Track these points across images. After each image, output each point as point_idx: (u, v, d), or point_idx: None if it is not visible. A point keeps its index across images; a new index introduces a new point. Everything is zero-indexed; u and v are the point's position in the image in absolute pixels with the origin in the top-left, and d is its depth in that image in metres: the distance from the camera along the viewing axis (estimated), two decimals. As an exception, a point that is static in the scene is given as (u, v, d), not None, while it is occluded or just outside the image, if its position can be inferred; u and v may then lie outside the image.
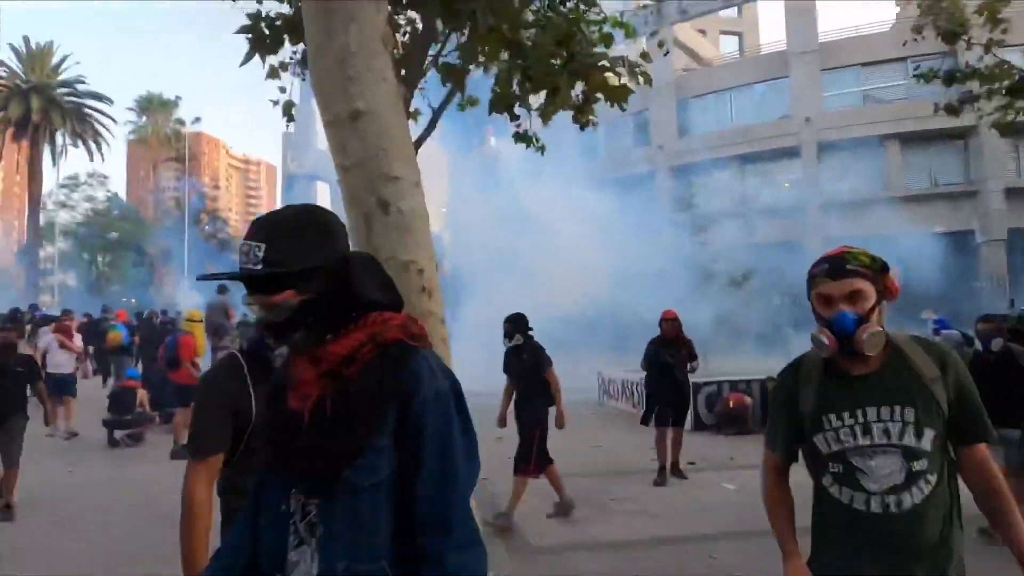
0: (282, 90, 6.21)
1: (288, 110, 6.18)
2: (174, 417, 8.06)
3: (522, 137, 6.33)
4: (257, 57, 5.05)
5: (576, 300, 20.92)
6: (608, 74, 5.76)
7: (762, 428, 9.14)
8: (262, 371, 1.93)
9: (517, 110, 5.84)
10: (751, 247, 24.63)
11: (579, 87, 5.93)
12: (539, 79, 4.53)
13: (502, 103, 5.42)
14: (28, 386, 5.71)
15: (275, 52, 5.35)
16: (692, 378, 8.21)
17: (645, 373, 7.17)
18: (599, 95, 5.46)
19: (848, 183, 27.77)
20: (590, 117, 6.54)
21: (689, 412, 9.46)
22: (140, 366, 11.50)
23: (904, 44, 12.58)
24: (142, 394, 8.76)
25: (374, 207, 2.08)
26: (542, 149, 6.39)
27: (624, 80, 6.23)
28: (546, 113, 5.27)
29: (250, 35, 3.98)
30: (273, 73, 6.07)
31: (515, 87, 5.61)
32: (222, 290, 11.88)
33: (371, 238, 2.09)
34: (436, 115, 4.92)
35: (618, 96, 4.94)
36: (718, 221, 24.74)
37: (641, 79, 6.26)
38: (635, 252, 20.82)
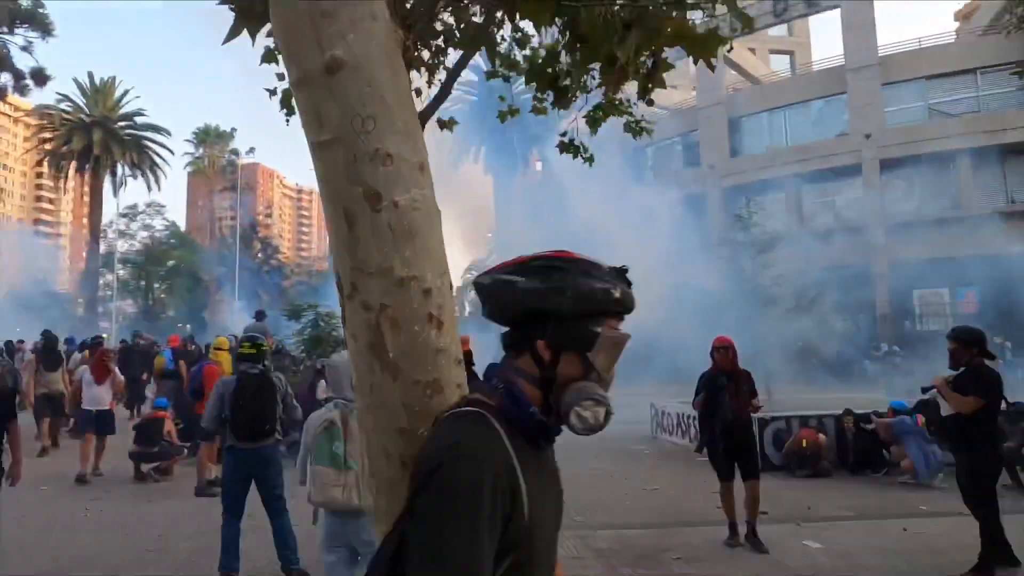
0: (281, 76, 5.45)
1: (289, 101, 5.47)
2: (199, 451, 7.62)
3: (568, 147, 5.69)
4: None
5: (626, 326, 20.10)
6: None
7: (840, 469, 8.18)
8: None
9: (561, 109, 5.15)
10: (812, 271, 23.37)
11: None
12: (594, 40, 3.63)
13: (543, 78, 4.55)
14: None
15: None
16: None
17: (698, 412, 6.20)
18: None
19: (914, 202, 26.27)
20: (645, 122, 5.89)
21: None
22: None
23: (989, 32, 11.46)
24: (169, 424, 8.38)
25: (359, 200, 1.46)
26: (591, 160, 5.73)
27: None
28: (609, 81, 4.41)
29: (233, 5, 3.25)
30: (269, 57, 5.40)
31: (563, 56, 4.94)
32: (260, 316, 11.59)
33: (355, 245, 1.47)
34: (448, 81, 4.03)
35: (707, 48, 3.66)
36: (775, 244, 23.58)
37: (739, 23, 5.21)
38: (687, 275, 19.90)
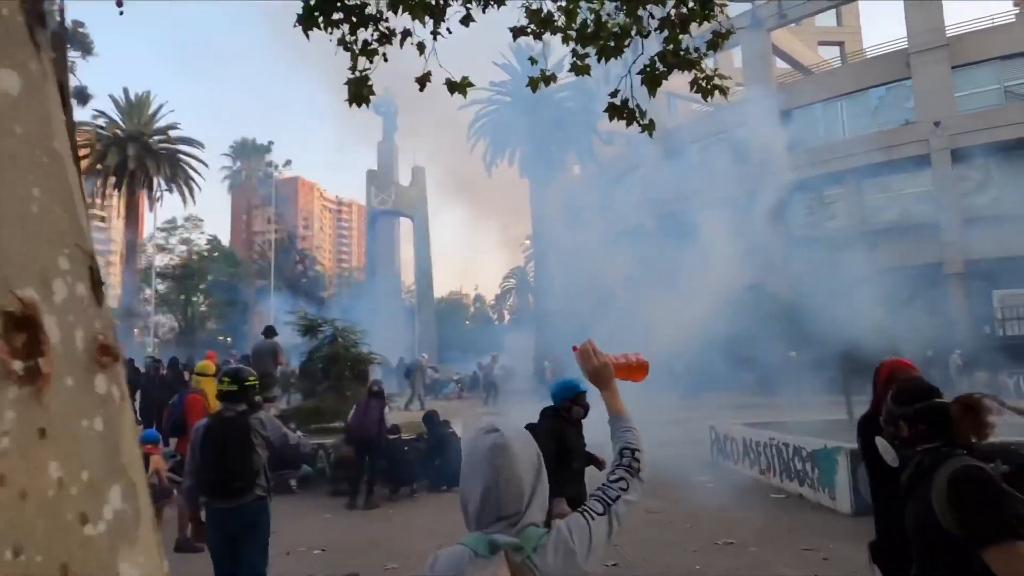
0: (352, 69, 4.42)
1: (360, 89, 4.36)
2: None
3: (620, 110, 4.35)
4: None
5: (678, 337, 18.56)
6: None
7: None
8: None
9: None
10: (883, 272, 21.41)
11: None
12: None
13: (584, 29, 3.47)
14: None
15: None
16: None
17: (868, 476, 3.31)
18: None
19: (991, 194, 24.00)
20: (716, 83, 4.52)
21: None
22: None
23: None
24: (157, 461, 7.27)
25: None
26: (650, 128, 4.39)
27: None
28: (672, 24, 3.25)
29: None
30: (344, 45, 4.34)
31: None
32: (270, 332, 10.52)
33: None
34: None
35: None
36: (837, 243, 21.72)
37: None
38: (739, 279, 18.25)
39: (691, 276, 21.31)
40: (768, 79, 27.99)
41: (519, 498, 1.42)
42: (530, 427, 3.93)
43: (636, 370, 2.11)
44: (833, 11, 37.47)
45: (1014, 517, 1.84)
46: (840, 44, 40.14)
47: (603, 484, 1.63)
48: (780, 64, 31.05)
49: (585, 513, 1.52)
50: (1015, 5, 40.12)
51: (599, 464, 4.57)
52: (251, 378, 4.20)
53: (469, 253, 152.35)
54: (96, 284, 0.71)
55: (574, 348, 1.97)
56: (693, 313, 19.08)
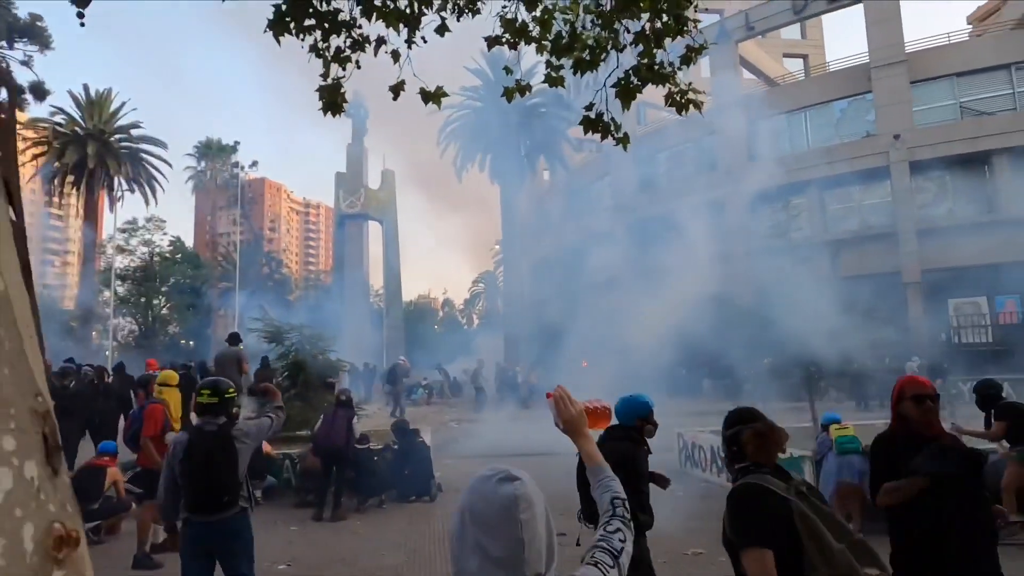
0: (324, 76, 4.32)
1: (333, 96, 4.27)
2: (140, 511, 6.25)
3: (595, 124, 4.34)
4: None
5: (644, 342, 18.70)
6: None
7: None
8: None
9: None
10: (843, 280, 21.89)
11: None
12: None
13: (559, 40, 3.47)
14: None
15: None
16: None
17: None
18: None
19: (946, 206, 24.79)
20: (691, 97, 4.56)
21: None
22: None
23: None
24: (115, 473, 7.03)
25: None
26: (624, 140, 4.40)
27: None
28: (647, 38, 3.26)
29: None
30: (316, 51, 4.24)
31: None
32: (234, 339, 10.26)
33: None
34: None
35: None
36: (800, 251, 22.16)
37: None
38: (704, 286, 18.46)
39: (657, 282, 21.52)
40: (736, 89, 28.46)
41: (540, 558, 1.28)
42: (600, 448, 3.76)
43: (601, 417, 2.09)
44: (797, 25, 38.41)
45: (759, 529, 2.17)
46: (804, 57, 41.10)
47: (603, 534, 1.57)
48: (746, 75, 31.63)
49: (599, 566, 1.46)
50: (968, 23, 41.60)
51: (663, 483, 4.18)
52: (230, 390, 4.11)
53: (438, 257, 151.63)
54: (52, 451, 0.61)
55: (548, 395, 1.91)
56: (659, 319, 19.27)
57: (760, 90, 31.01)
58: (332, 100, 4.12)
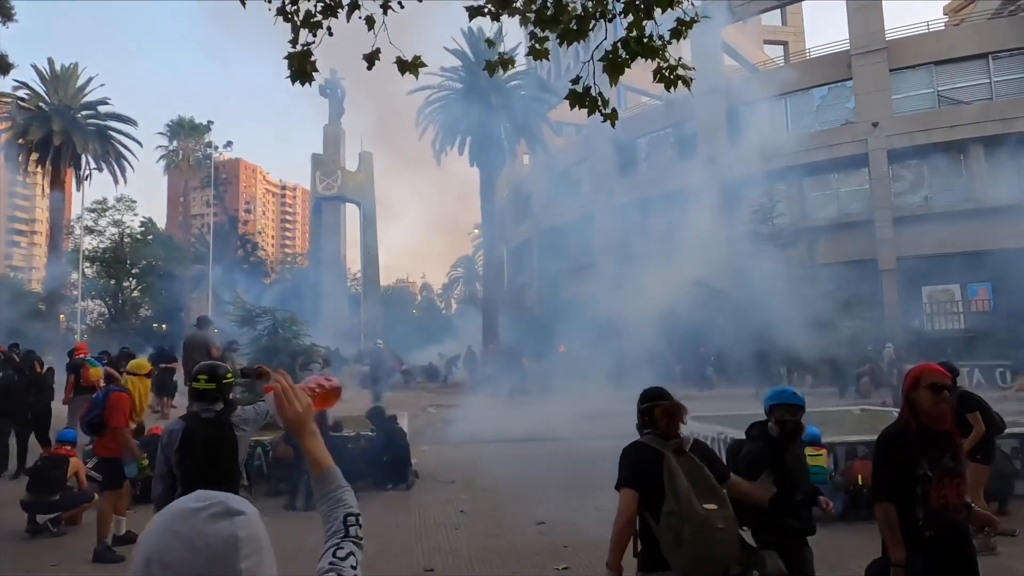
0: (293, 43, 4.00)
1: (303, 64, 3.95)
2: (102, 501, 5.97)
3: (581, 98, 4.13)
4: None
5: (623, 328, 18.63)
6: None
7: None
8: None
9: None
10: (813, 268, 22.01)
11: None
12: None
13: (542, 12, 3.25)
14: None
15: None
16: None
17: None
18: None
19: (922, 194, 25.02)
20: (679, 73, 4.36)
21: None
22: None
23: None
24: (76, 463, 6.74)
25: None
26: (612, 116, 4.19)
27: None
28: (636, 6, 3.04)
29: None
30: (284, 15, 3.93)
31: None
32: (203, 323, 9.93)
33: None
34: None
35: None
36: (777, 239, 22.21)
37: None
38: (684, 273, 18.44)
39: (635, 268, 21.40)
40: (718, 74, 28.35)
41: None
42: (735, 447, 3.46)
43: (330, 396, 1.85)
44: (778, 12, 38.35)
45: (630, 474, 2.94)
46: (784, 44, 41.10)
47: (333, 560, 1.29)
48: (728, 61, 31.51)
49: None
50: (944, 14, 41.89)
51: (825, 508, 3.41)
52: (228, 375, 3.86)
53: (417, 241, 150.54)
54: None
55: (267, 389, 1.60)
56: (637, 305, 19.21)
57: (742, 76, 30.95)
58: (301, 68, 3.85)
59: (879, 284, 23.78)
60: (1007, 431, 6.51)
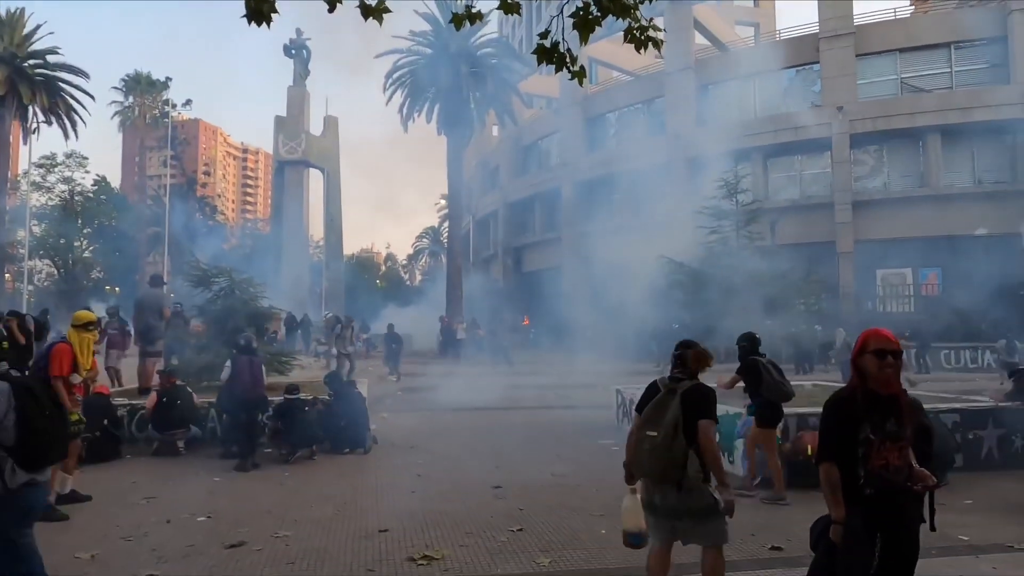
0: None
1: (260, 4, 3.69)
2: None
3: (549, 54, 4.03)
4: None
5: (591, 304, 18.78)
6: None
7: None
8: None
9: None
10: (773, 248, 22.39)
11: None
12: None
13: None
14: None
15: None
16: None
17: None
18: None
19: (881, 180, 25.60)
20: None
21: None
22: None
23: None
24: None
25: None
26: (580, 74, 4.11)
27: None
28: None
29: None
30: None
31: None
32: (156, 281, 9.62)
33: None
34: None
35: None
36: (735, 217, 22.48)
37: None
38: (644, 250, 18.56)
39: (603, 244, 21.46)
40: (689, 52, 28.36)
41: None
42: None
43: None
44: (752, -8, 38.47)
45: (642, 402, 3.67)
46: (756, 25, 41.27)
47: None
48: (700, 39, 31.53)
49: None
50: (911, 3, 42.54)
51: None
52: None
53: (382, 210, 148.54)
54: None
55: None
56: (605, 280, 19.29)
57: (713, 54, 31.02)
58: (258, 8, 3.66)
59: (836, 266, 24.35)
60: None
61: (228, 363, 7.99)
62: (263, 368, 8.13)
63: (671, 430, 3.42)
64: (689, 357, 3.67)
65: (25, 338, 8.07)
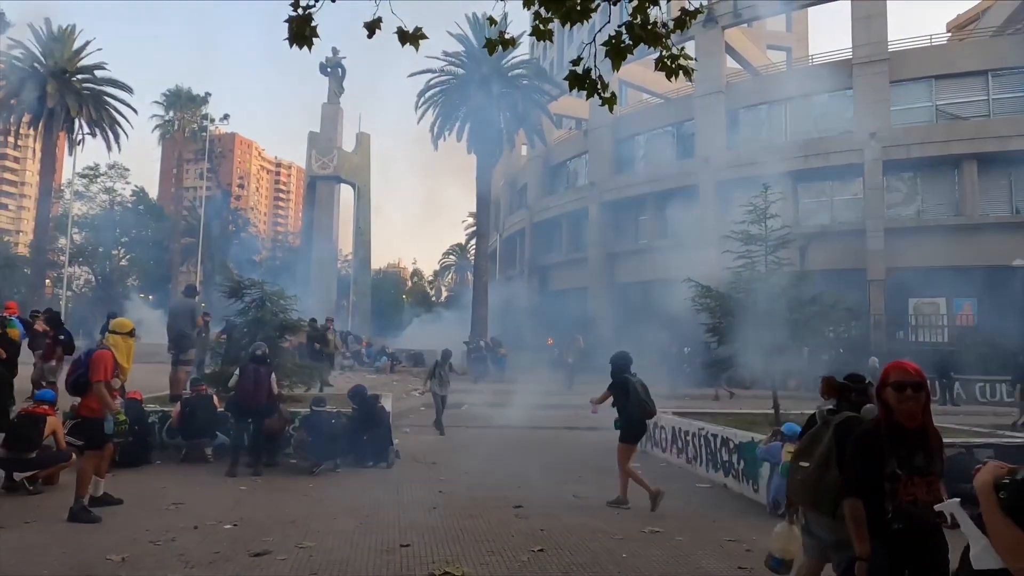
0: (294, 6, 3.92)
1: (303, 28, 3.89)
2: (85, 461, 5.92)
3: (581, 81, 4.12)
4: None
5: (617, 325, 18.69)
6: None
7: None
8: None
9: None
10: (803, 273, 22.06)
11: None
12: None
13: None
14: None
15: None
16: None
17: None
18: None
19: (915, 207, 25.19)
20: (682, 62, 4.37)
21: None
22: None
23: None
24: (54, 423, 6.70)
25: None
26: (611, 101, 4.19)
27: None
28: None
29: None
30: None
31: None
32: (190, 292, 9.88)
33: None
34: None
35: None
36: (765, 242, 22.21)
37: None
38: (671, 272, 18.43)
39: (630, 266, 21.37)
40: (720, 76, 28.36)
41: None
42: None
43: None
44: (783, 17, 38.40)
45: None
46: (788, 49, 41.17)
47: None
48: (730, 63, 31.54)
49: None
50: (947, 31, 42.07)
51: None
52: None
53: (410, 226, 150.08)
54: None
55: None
56: (632, 302, 19.19)
57: (744, 79, 30.99)
58: (300, 32, 3.82)
59: (867, 293, 23.93)
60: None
61: (237, 371, 8.23)
62: (272, 378, 8.29)
63: (822, 462, 3.41)
64: (823, 385, 3.73)
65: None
